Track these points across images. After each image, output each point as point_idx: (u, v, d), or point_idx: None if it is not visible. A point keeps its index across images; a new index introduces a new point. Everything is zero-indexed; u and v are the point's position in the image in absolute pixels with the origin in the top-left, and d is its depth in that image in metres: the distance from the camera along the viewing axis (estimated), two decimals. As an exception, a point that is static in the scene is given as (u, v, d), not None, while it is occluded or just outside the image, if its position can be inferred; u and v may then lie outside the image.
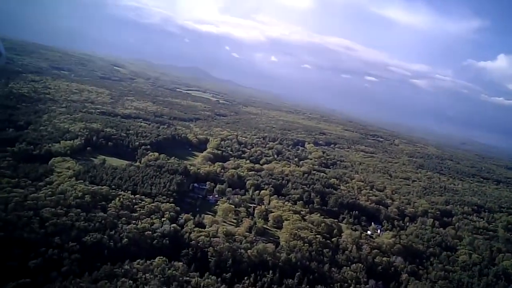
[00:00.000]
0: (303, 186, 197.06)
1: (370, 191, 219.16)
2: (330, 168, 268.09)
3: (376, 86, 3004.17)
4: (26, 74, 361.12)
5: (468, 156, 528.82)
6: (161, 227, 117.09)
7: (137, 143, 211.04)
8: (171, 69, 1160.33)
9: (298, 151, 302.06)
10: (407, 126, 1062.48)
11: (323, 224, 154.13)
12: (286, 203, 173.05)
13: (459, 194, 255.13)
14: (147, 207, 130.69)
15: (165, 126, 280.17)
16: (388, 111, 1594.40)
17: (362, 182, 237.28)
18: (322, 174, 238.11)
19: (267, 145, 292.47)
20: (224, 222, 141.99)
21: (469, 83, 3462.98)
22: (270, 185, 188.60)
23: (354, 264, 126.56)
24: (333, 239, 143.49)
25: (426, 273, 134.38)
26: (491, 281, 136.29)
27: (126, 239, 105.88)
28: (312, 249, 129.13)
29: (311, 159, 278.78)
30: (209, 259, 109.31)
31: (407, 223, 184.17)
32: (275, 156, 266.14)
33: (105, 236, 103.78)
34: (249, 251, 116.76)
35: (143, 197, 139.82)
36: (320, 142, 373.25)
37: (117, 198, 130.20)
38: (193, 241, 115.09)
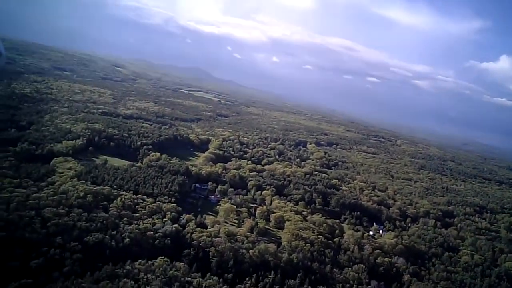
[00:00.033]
0: (304, 186, 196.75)
1: (372, 192, 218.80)
2: (332, 169, 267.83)
3: (378, 87, 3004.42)
4: (28, 74, 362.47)
5: (470, 157, 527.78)
6: (162, 227, 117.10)
7: (139, 143, 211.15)
8: (172, 70, 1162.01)
9: (300, 152, 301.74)
10: (409, 127, 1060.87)
11: (325, 224, 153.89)
12: (287, 203, 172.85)
13: (461, 195, 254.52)
14: (149, 207, 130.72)
15: (167, 127, 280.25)
16: (389, 111, 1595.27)
17: (364, 182, 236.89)
18: (324, 174, 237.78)
19: (269, 146, 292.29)
20: (226, 222, 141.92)
21: (472, 84, 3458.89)
22: (272, 186, 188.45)
23: (356, 265, 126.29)
24: (335, 240, 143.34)
25: (428, 274, 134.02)
26: (494, 282, 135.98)
27: (127, 239, 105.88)
28: (314, 249, 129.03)
29: (313, 160, 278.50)
30: (211, 260, 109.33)
31: (409, 224, 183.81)
32: (277, 156, 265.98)
33: (107, 236, 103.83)
34: (250, 251, 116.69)
35: (145, 197, 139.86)
36: (322, 142, 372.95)
37: (119, 198, 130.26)
38: (194, 242, 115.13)
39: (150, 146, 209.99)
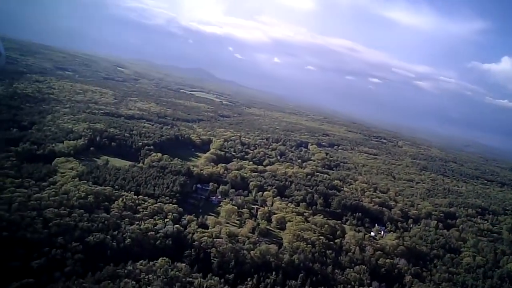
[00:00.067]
0: (306, 187, 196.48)
1: (374, 193, 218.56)
2: (333, 170, 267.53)
3: (380, 88, 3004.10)
4: (31, 74, 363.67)
5: (472, 158, 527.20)
6: (164, 228, 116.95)
7: (140, 143, 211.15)
8: (174, 70, 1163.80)
9: (301, 153, 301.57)
10: (410, 128, 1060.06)
11: (326, 225, 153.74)
12: (289, 204, 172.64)
13: (463, 196, 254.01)
14: (150, 207, 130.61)
15: (169, 127, 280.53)
16: (391, 112, 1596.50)
17: (366, 183, 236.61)
18: (326, 175, 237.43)
19: (270, 146, 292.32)
20: (227, 223, 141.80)
21: (473, 85, 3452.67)
22: (273, 186, 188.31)
23: (358, 266, 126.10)
24: (336, 241, 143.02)
25: (429, 275, 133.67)
26: (496, 284, 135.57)
27: (129, 240, 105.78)
28: (315, 250, 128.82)
29: (314, 161, 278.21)
30: (212, 260, 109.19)
31: (411, 225, 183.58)
32: (278, 157, 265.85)
33: (108, 237, 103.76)
34: (252, 252, 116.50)
35: (146, 197, 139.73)
36: (323, 143, 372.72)
37: (120, 199, 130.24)
38: (196, 242, 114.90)
39: (152, 147, 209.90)
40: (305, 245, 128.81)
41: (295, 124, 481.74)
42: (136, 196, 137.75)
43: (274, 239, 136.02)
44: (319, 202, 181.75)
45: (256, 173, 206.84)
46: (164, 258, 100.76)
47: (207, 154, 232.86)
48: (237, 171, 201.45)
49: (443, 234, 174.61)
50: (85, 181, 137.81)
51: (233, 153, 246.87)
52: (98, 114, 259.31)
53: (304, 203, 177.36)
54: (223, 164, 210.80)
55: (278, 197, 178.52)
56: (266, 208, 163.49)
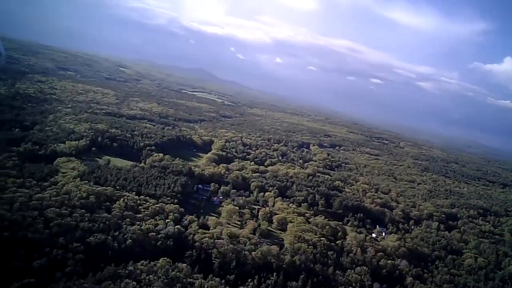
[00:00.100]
0: (307, 188, 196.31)
1: (375, 194, 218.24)
2: (335, 170, 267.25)
3: (382, 88, 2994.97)
4: (33, 74, 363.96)
5: (474, 159, 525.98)
6: (165, 228, 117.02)
7: (142, 144, 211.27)
8: (176, 70, 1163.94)
9: (303, 153, 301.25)
10: (412, 129, 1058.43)
11: (328, 226, 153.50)
12: (290, 205, 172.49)
13: (465, 197, 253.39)
14: (151, 208, 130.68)
15: (170, 127, 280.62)
16: (393, 113, 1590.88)
17: (367, 184, 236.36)
18: (327, 176, 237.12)
19: (272, 147, 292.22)
20: (228, 223, 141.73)
21: (475, 86, 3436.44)
22: (275, 187, 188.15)
23: (359, 267, 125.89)
24: (337, 242, 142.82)
25: (431, 276, 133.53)
26: (497, 286, 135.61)
27: (130, 240, 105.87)
28: (317, 251, 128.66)
29: (315, 161, 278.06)
30: (213, 261, 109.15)
31: (412, 226, 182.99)
32: (280, 158, 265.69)
33: (109, 237, 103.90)
34: (253, 253, 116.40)
35: (148, 198, 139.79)
36: (325, 144, 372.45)
37: (122, 199, 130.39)
38: (197, 243, 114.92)
39: (153, 147, 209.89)
40: (306, 246, 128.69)
41: (296, 124, 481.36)
42: (137, 196, 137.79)
43: (275, 240, 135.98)
44: (321, 202, 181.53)
45: (257, 174, 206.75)
46: (165, 258, 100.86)
47: (209, 154, 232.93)
48: (238, 172, 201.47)
49: (444, 236, 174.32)
50: (87, 181, 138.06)
51: (235, 154, 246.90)
52: (100, 114, 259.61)
53: (305, 203, 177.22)
54: (224, 165, 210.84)
55: (280, 197, 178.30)
56: (267, 208, 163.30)
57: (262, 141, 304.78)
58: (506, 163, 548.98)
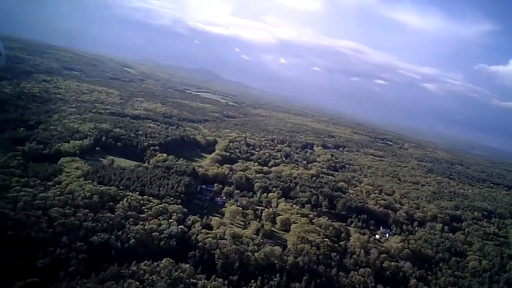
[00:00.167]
0: (311, 189, 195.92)
1: (379, 195, 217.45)
2: (338, 171, 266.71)
3: (386, 89, 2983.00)
4: (38, 74, 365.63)
5: (478, 160, 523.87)
6: (168, 229, 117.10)
7: (146, 143, 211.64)
8: (180, 70, 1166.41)
9: (307, 154, 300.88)
10: (416, 130, 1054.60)
11: (331, 227, 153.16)
12: (294, 206, 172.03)
13: (469, 199, 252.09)
14: (155, 208, 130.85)
15: (174, 127, 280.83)
16: (397, 114, 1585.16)
17: (371, 186, 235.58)
18: (331, 177, 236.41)
19: (276, 148, 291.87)
20: (232, 224, 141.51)
21: (480, 88, 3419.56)
22: (278, 188, 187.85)
23: (362, 269, 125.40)
24: (341, 243, 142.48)
25: (435, 278, 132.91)
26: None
27: (133, 240, 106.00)
28: (320, 252, 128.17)
29: (319, 162, 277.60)
30: (216, 261, 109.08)
31: (416, 228, 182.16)
32: (284, 158, 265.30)
33: (113, 237, 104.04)
34: (256, 253, 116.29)
35: (151, 198, 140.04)
36: (329, 145, 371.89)
37: (125, 199, 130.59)
38: (200, 243, 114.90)
39: (157, 147, 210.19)
40: (309, 247, 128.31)
41: (300, 125, 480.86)
42: (141, 196, 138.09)
43: (278, 241, 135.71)
44: (324, 204, 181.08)
45: (261, 174, 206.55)
46: (168, 259, 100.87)
47: (212, 154, 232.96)
48: (242, 172, 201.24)
49: (448, 237, 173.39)
50: (90, 181, 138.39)
51: (238, 154, 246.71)
52: (104, 114, 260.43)
53: (309, 204, 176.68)
54: (228, 165, 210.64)
55: (283, 198, 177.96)
56: (270, 209, 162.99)
57: (266, 141, 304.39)
58: (511, 165, 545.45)
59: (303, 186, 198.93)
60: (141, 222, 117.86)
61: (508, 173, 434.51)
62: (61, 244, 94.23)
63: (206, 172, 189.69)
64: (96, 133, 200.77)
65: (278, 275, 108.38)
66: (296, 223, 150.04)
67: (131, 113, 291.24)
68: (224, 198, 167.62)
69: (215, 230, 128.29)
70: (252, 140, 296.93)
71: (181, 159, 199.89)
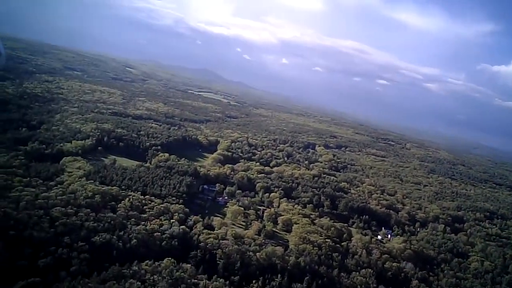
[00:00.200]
0: (313, 189, 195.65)
1: (381, 196, 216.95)
2: (340, 172, 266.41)
3: (388, 90, 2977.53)
4: (40, 74, 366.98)
5: (481, 161, 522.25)
6: (170, 229, 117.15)
7: (148, 143, 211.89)
8: (182, 71, 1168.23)
9: (309, 154, 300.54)
10: (418, 130, 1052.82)
11: (333, 228, 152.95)
12: (295, 206, 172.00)
13: (471, 200, 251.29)
14: (157, 208, 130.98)
15: (176, 127, 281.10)
16: (399, 114, 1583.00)
17: (373, 186, 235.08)
18: (333, 177, 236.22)
19: (278, 148, 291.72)
20: (233, 224, 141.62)
21: (482, 88, 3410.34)
22: (280, 188, 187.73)
23: (364, 269, 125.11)
24: (342, 244, 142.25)
25: (437, 279, 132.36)
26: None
27: (135, 240, 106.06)
28: (321, 253, 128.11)
29: (321, 162, 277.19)
30: (218, 262, 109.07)
31: (418, 229, 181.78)
32: (285, 158, 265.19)
33: (114, 237, 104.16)
34: (257, 254, 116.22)
35: (153, 198, 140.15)
36: (331, 145, 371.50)
37: (127, 199, 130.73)
38: (201, 243, 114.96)
39: (159, 147, 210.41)
40: (311, 248, 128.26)
41: (302, 125, 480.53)
42: (142, 196, 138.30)
43: (280, 241, 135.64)
44: (326, 204, 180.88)
45: (263, 174, 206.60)
46: (170, 259, 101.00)
47: (214, 154, 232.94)
48: (244, 172, 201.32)
49: (450, 238, 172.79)
50: (92, 181, 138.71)
51: (240, 154, 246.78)
52: (106, 114, 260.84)
53: (310, 205, 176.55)
54: (230, 165, 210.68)
55: (285, 198, 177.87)
56: (272, 209, 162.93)
57: (268, 141, 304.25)
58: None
59: (305, 186, 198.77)
60: (143, 222, 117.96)
61: (511, 174, 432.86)
62: (63, 244, 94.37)
63: (208, 172, 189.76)
64: (98, 133, 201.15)
65: (279, 275, 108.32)
66: (298, 223, 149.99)
67: (133, 113, 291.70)
68: (226, 198, 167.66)
69: (217, 230, 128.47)
70: (254, 140, 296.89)
71: (183, 159, 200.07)
